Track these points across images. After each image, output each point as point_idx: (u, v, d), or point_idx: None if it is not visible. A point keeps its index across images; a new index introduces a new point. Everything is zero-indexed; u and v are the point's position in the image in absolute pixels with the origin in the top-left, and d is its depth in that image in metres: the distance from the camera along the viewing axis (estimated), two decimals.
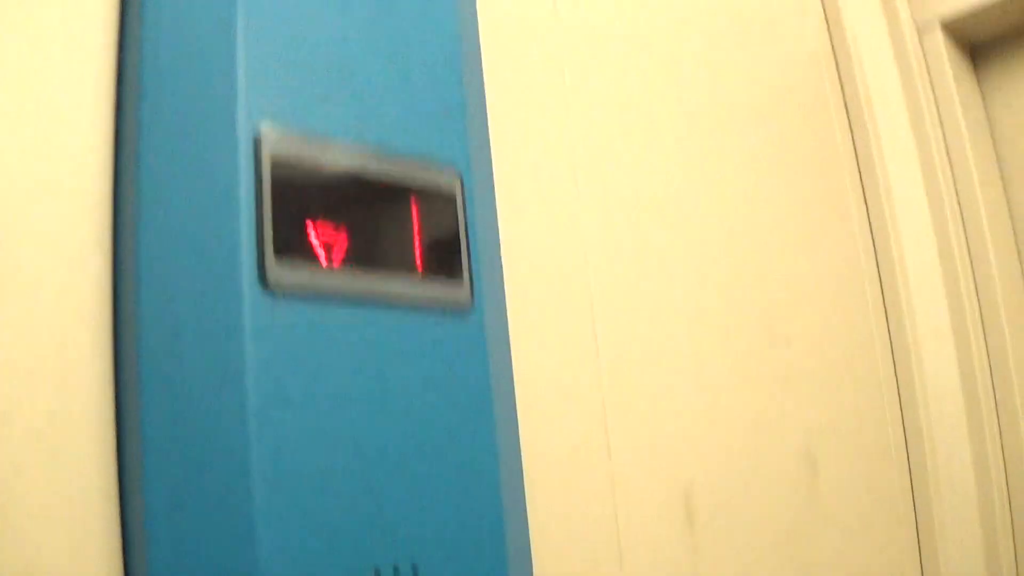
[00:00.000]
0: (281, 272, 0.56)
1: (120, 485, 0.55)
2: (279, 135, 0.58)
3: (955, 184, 1.31)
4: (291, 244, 0.57)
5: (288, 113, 0.59)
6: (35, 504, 0.52)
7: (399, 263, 0.62)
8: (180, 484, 0.53)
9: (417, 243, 0.64)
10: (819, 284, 1.18)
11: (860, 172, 1.31)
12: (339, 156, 0.61)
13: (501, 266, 0.71)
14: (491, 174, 0.72)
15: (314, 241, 0.58)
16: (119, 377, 0.56)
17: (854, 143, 1.32)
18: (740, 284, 1.05)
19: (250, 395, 0.54)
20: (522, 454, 0.69)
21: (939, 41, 1.34)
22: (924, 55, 1.35)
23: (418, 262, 0.63)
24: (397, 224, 0.63)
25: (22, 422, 0.52)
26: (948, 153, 1.31)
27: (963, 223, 1.30)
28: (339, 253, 0.59)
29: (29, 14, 0.58)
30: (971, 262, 1.29)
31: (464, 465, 0.63)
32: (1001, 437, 1.24)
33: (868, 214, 1.30)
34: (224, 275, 0.55)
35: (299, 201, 0.58)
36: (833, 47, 1.35)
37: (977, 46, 1.42)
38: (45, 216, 0.56)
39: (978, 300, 1.28)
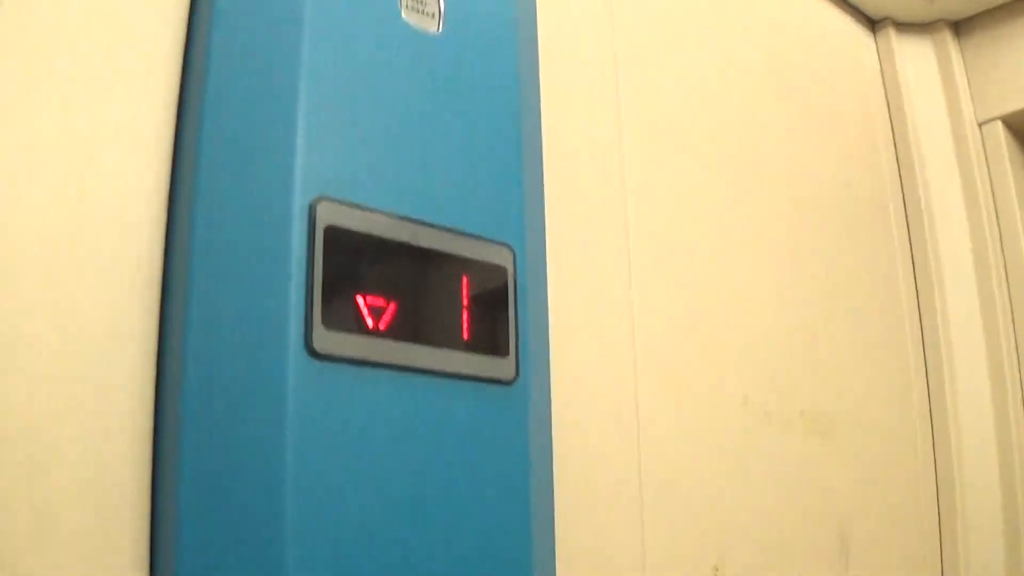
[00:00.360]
0: (327, 339, 0.56)
1: (153, 543, 0.55)
2: (334, 205, 0.58)
3: (1007, 277, 1.29)
4: (339, 312, 0.57)
5: (344, 184, 0.60)
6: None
7: (446, 335, 0.62)
8: (219, 545, 0.53)
9: (465, 317, 0.64)
10: (865, 374, 1.16)
11: (914, 265, 1.30)
12: (392, 228, 0.61)
13: (548, 343, 0.71)
14: (544, 252, 0.72)
15: (363, 310, 0.59)
16: (159, 435, 0.57)
17: (909, 233, 1.32)
18: (785, 370, 1.04)
19: (290, 458, 0.54)
20: (556, 525, 0.69)
21: (999, 134, 1.33)
22: (984, 147, 1.35)
23: (465, 335, 0.63)
24: (446, 297, 0.63)
25: (57, 463, 0.53)
26: (1002, 242, 1.30)
27: (1013, 317, 1.28)
28: (386, 323, 0.59)
29: (99, 83, 0.60)
30: (1018, 354, 1.27)
31: (497, 534, 0.63)
32: None
33: (919, 306, 1.29)
34: (271, 338, 0.55)
35: (350, 270, 0.59)
36: (894, 136, 1.35)
37: None
38: (99, 260, 0.57)
39: (1023, 396, 1.26)
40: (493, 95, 0.70)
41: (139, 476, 0.56)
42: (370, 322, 0.59)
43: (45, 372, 0.53)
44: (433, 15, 0.68)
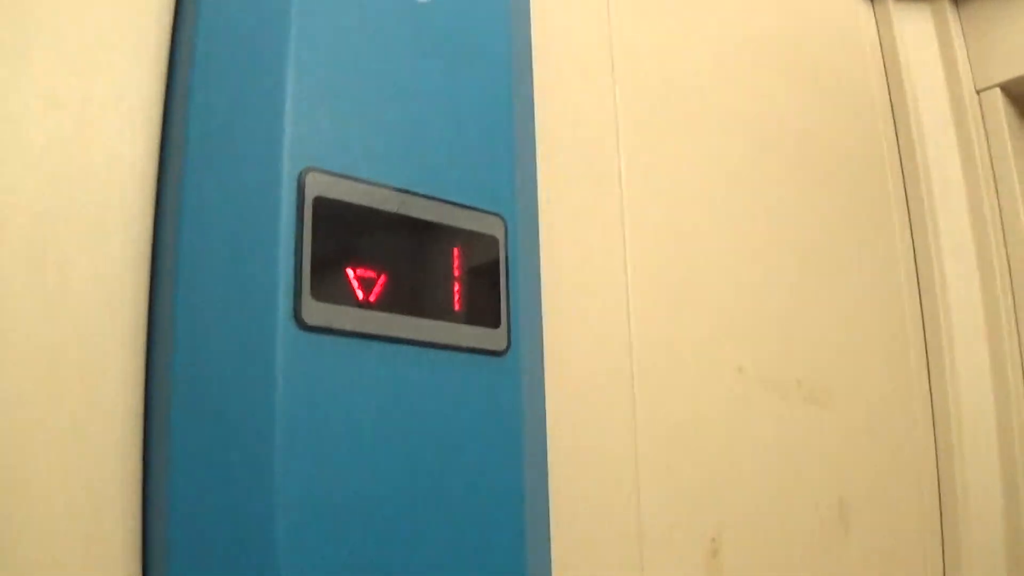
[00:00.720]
0: (317, 311, 0.56)
1: (145, 515, 0.55)
2: (323, 176, 0.58)
3: (1006, 246, 1.29)
4: (329, 283, 0.57)
5: (333, 154, 0.59)
6: (58, 513, 0.52)
7: (437, 307, 0.62)
8: (210, 519, 0.53)
9: (456, 288, 0.63)
10: (863, 344, 1.16)
11: (912, 232, 1.30)
12: (382, 198, 0.61)
13: (540, 313, 0.71)
14: (536, 221, 0.72)
15: (352, 281, 0.58)
16: (149, 411, 0.57)
17: (907, 203, 1.31)
18: (782, 340, 1.04)
19: (279, 430, 0.54)
20: (550, 498, 0.69)
21: (998, 100, 1.33)
22: (982, 114, 1.34)
23: (456, 306, 0.63)
24: (437, 268, 0.63)
25: (54, 439, 0.53)
26: (1000, 209, 1.30)
27: (1012, 287, 1.28)
28: (377, 294, 0.59)
29: (85, 55, 0.59)
30: (1017, 325, 1.27)
31: (491, 506, 0.63)
32: None
33: (918, 275, 1.29)
34: (260, 310, 0.55)
35: (339, 241, 0.58)
36: (892, 106, 1.35)
37: None
38: (88, 235, 0.57)
39: (1022, 363, 1.26)
40: (484, 63, 0.70)
41: (129, 452, 0.56)
42: (360, 294, 0.58)
43: (32, 344, 0.53)
44: None
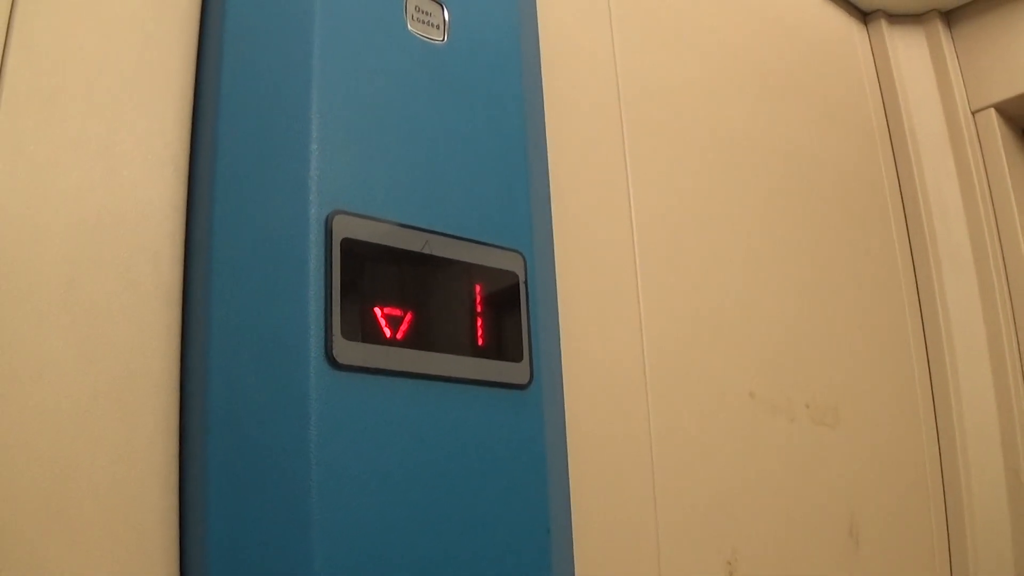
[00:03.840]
0: (347, 349, 0.57)
1: (182, 555, 0.56)
2: (350, 218, 0.59)
3: (1005, 264, 1.30)
4: (358, 322, 0.58)
5: (358, 196, 0.61)
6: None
7: (461, 342, 0.63)
8: (247, 555, 0.54)
9: (479, 323, 0.65)
10: (867, 365, 1.17)
11: (912, 252, 1.32)
12: (406, 238, 0.62)
13: (559, 345, 0.72)
14: (552, 256, 0.73)
15: (380, 320, 0.59)
16: (185, 449, 0.57)
17: (906, 223, 1.33)
18: (790, 365, 1.05)
19: (314, 466, 0.55)
20: (573, 526, 0.70)
21: (993, 121, 1.34)
22: (978, 135, 1.36)
23: (480, 341, 0.64)
24: (460, 304, 0.64)
25: (91, 482, 0.54)
26: (998, 228, 1.31)
27: (1012, 304, 1.29)
28: (404, 332, 0.60)
29: (114, 99, 0.61)
30: (1018, 341, 1.28)
31: (518, 536, 0.64)
32: None
33: (918, 295, 1.30)
34: (293, 350, 0.56)
35: (367, 281, 0.60)
36: (889, 128, 1.36)
37: None
38: (119, 279, 0.58)
39: None
40: (498, 102, 0.71)
41: (166, 489, 0.57)
42: (388, 332, 0.60)
43: (69, 387, 0.54)
44: (438, 25, 0.69)
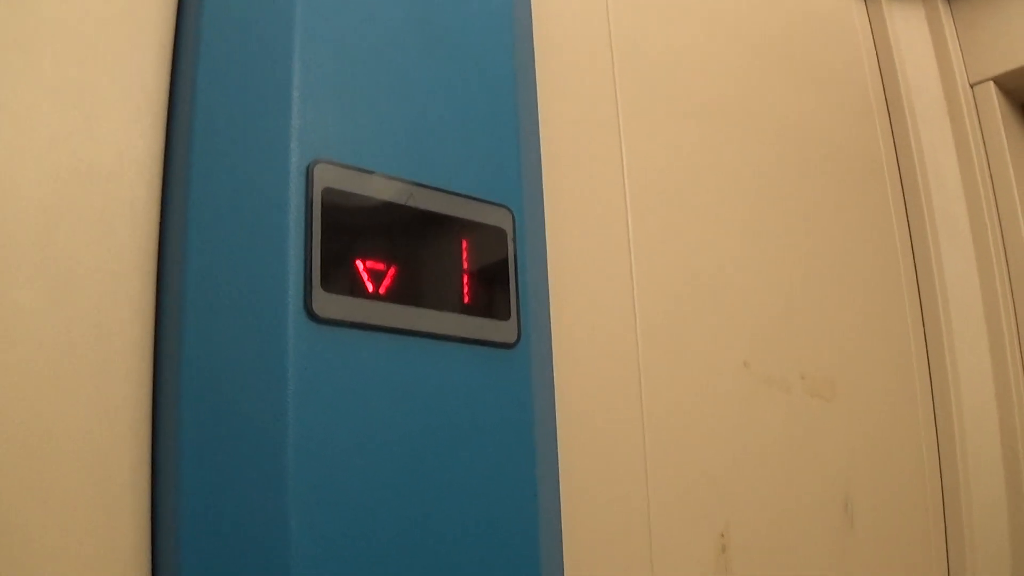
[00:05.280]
0: (327, 302, 0.56)
1: (155, 510, 0.55)
2: (332, 167, 0.58)
3: (1003, 238, 1.30)
4: (339, 275, 0.57)
5: (342, 146, 0.59)
6: (69, 507, 0.52)
7: (446, 299, 0.62)
8: (221, 512, 0.53)
9: (465, 279, 0.63)
10: (864, 337, 1.16)
11: (910, 226, 1.30)
12: (391, 190, 0.60)
13: (548, 304, 0.71)
14: (542, 214, 0.72)
15: (362, 273, 0.58)
16: (159, 403, 0.56)
17: (905, 197, 1.32)
18: (785, 335, 1.04)
19: (291, 421, 0.53)
20: (561, 493, 0.69)
21: (991, 94, 1.34)
22: (976, 108, 1.35)
23: (466, 298, 0.63)
24: (446, 260, 0.62)
25: (63, 437, 0.52)
26: (996, 202, 1.31)
27: (1009, 277, 1.28)
28: (386, 286, 0.59)
29: (92, 50, 0.59)
30: (1016, 317, 1.27)
31: (503, 499, 0.62)
32: None
33: (916, 268, 1.29)
34: (271, 302, 0.55)
35: (349, 233, 0.58)
36: (887, 102, 1.35)
37: None
38: (94, 229, 0.56)
39: (1021, 355, 1.26)
40: (489, 54, 0.70)
41: (139, 444, 0.55)
42: (370, 286, 0.58)
43: (41, 340, 0.53)
44: None
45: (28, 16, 0.56)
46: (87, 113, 0.57)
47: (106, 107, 0.58)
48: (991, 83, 1.34)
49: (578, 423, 0.77)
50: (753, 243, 1.03)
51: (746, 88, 1.11)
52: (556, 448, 0.69)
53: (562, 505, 0.69)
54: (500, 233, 0.65)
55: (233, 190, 0.57)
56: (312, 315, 0.55)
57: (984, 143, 1.33)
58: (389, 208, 0.60)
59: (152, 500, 0.55)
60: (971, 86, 1.36)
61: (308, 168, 0.57)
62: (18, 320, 0.52)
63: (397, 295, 0.59)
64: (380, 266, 0.59)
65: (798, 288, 1.08)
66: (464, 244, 0.63)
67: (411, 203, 0.61)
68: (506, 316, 0.64)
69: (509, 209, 0.66)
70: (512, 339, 0.65)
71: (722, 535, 0.88)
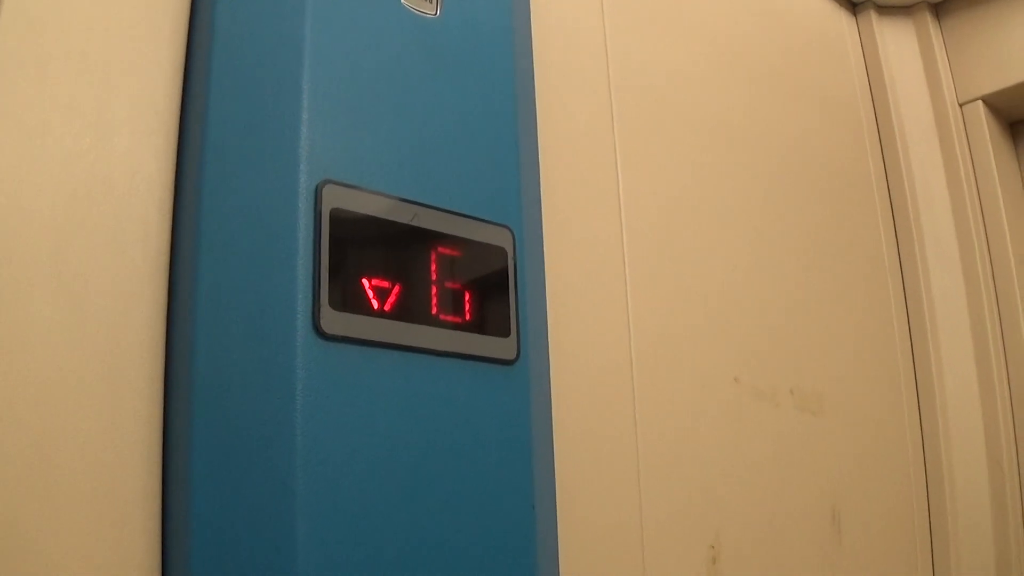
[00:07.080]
0: (335, 320, 0.57)
1: (165, 522, 0.56)
2: (339, 188, 0.59)
3: (990, 255, 1.31)
4: (345, 293, 0.58)
5: (349, 168, 0.60)
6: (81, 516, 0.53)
7: (448, 316, 0.63)
8: (230, 524, 0.54)
9: (467, 297, 0.64)
10: (852, 352, 1.18)
11: (898, 242, 1.32)
12: (396, 210, 0.62)
13: (546, 322, 0.72)
14: (541, 232, 0.73)
15: (368, 291, 0.59)
16: (170, 419, 0.57)
17: (893, 213, 1.33)
18: (775, 351, 1.05)
19: (300, 436, 0.55)
20: (557, 505, 0.70)
21: (980, 113, 1.35)
22: (965, 127, 1.37)
23: (467, 315, 0.64)
24: (448, 278, 0.64)
25: (76, 448, 0.53)
26: (984, 221, 1.32)
27: (996, 294, 1.30)
28: (391, 303, 0.60)
29: (104, 68, 0.60)
30: (1002, 331, 1.29)
31: (502, 511, 0.64)
32: None
33: (904, 285, 1.31)
34: (280, 320, 0.56)
35: (355, 252, 0.59)
36: (877, 120, 1.37)
37: (1017, 123, 1.43)
38: (107, 246, 0.57)
39: (1007, 371, 1.28)
40: (489, 77, 0.71)
41: (150, 458, 0.56)
42: (375, 303, 0.59)
43: (54, 356, 0.54)
44: None
45: (43, 35, 0.57)
46: (101, 132, 0.59)
47: (119, 126, 0.59)
48: (980, 102, 1.36)
49: (574, 436, 0.78)
50: (744, 261, 1.05)
51: (738, 108, 1.12)
52: (553, 461, 0.71)
53: (558, 516, 0.70)
54: (500, 252, 0.67)
55: (243, 209, 0.58)
56: (320, 332, 0.56)
57: (972, 162, 1.35)
58: (394, 227, 0.61)
59: (163, 512, 0.56)
60: (960, 105, 1.38)
61: (317, 188, 0.58)
62: (33, 333, 0.53)
63: (401, 312, 0.60)
64: (385, 284, 0.60)
65: (788, 305, 1.09)
66: (466, 263, 0.65)
67: (415, 223, 0.62)
68: (506, 333, 0.66)
69: (509, 228, 0.68)
70: (512, 356, 0.66)
71: (713, 546, 0.90)
